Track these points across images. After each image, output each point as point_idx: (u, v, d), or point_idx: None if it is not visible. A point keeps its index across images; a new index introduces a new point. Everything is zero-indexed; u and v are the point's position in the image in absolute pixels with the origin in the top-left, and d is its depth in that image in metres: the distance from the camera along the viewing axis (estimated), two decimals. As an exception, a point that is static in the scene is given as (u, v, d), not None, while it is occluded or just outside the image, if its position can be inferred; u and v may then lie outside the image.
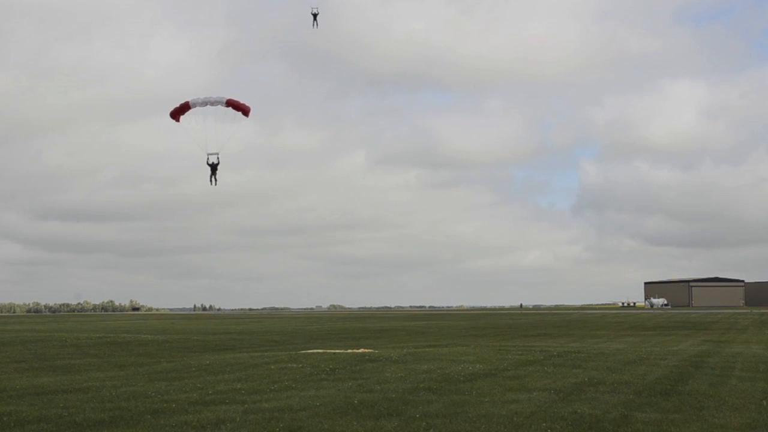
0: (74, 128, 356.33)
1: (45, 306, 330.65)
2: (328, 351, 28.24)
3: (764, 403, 14.99)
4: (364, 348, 30.45)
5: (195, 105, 41.08)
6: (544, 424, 12.64)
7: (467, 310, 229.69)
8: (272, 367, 21.85)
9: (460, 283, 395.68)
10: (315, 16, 57.11)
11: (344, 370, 20.57)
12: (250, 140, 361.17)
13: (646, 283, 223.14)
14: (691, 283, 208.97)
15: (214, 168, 53.42)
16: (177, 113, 42.32)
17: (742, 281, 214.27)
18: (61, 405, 14.83)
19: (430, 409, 14.04)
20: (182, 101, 41.52)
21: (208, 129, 42.37)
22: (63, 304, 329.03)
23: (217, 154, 46.98)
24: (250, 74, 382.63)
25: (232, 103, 42.16)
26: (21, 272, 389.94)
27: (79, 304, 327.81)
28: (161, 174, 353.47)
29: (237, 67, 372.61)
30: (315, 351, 28.51)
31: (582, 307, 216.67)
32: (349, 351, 27.97)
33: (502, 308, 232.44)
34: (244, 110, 41.58)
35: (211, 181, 52.81)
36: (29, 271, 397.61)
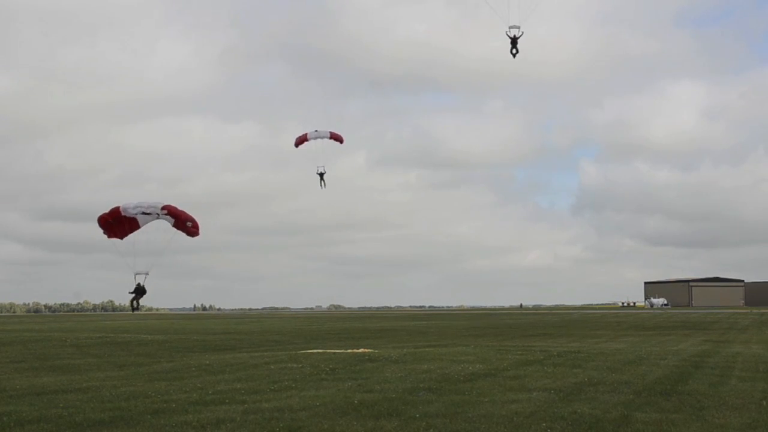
0: (78, 129, 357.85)
1: (45, 306, 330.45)
2: (328, 351, 28.23)
3: (764, 403, 14.98)
4: (364, 348, 30.43)
5: (126, 212, 37.17)
6: (544, 424, 12.63)
7: (467, 310, 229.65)
8: (272, 367, 21.84)
9: (460, 283, 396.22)
10: (321, 175, 56.54)
11: (344, 370, 20.56)
12: (252, 141, 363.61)
13: (646, 283, 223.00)
14: (691, 283, 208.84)
15: (139, 293, 48.48)
16: (106, 222, 38.04)
17: (742, 281, 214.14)
18: (61, 405, 14.82)
19: (430, 409, 14.03)
20: (112, 206, 35.01)
21: (140, 241, 37.30)
22: (63, 304, 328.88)
23: (146, 274, 41.98)
24: (252, 76, 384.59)
25: (171, 212, 37.88)
26: (21, 272, 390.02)
27: (79, 304, 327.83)
28: (164, 174, 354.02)
29: (240, 68, 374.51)
30: (315, 351, 28.50)
31: (582, 307, 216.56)
32: (349, 351, 27.96)
33: (502, 308, 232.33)
34: (184, 220, 37.31)
35: (132, 305, 48.22)
36: (30, 271, 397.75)
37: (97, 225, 38.21)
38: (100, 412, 13.94)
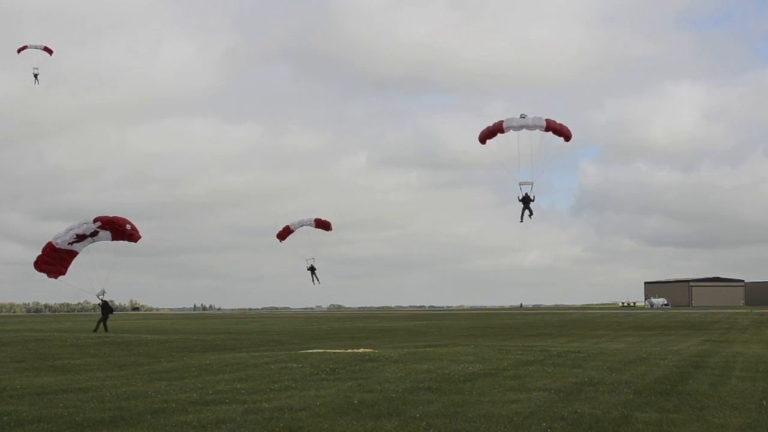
0: (81, 130, 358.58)
1: (45, 306, 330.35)
2: (328, 351, 28.22)
3: (764, 403, 14.99)
4: (364, 348, 30.42)
5: (60, 245, 36.78)
6: (544, 424, 12.63)
7: (467, 310, 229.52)
8: (272, 367, 21.83)
9: (460, 283, 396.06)
10: (313, 270, 57.59)
11: (344, 370, 20.55)
12: (254, 142, 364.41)
13: (646, 283, 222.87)
14: (691, 283, 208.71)
15: (106, 308, 50.32)
16: (44, 264, 37.76)
17: (742, 281, 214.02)
18: (61, 405, 14.81)
19: (430, 409, 14.03)
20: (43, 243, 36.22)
21: (92, 268, 37.24)
22: (63, 304, 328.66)
23: (104, 292, 42.79)
24: (255, 77, 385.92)
25: (105, 221, 37.28)
26: (21, 272, 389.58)
27: (79, 304, 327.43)
28: (165, 175, 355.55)
29: (242, 70, 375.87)
30: (315, 351, 28.49)
31: (582, 307, 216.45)
32: (349, 351, 27.94)
33: (502, 308, 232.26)
34: (122, 224, 36.87)
35: (105, 326, 49.96)
36: (30, 271, 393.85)
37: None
38: (100, 412, 13.94)
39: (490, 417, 13.22)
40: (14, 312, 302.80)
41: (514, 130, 34.13)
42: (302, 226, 51.86)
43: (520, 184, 35.75)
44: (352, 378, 18.66)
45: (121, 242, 37.79)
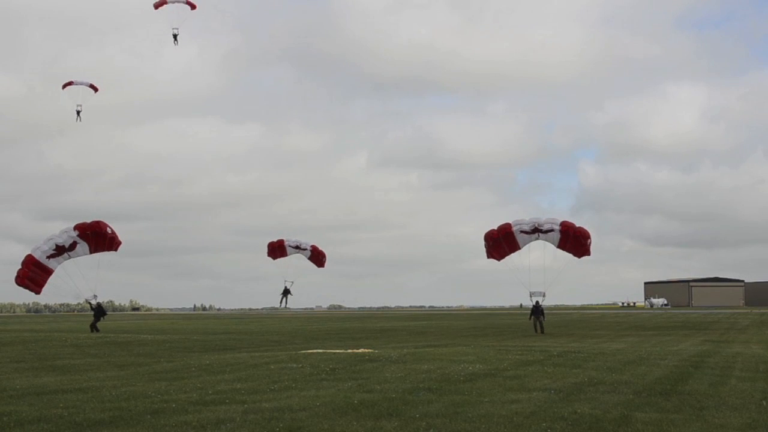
0: (82, 131, 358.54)
1: (45, 306, 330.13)
2: (328, 351, 28.22)
3: (764, 403, 14.98)
4: (364, 348, 30.43)
5: (40, 257, 37.72)
6: (544, 424, 12.63)
7: (467, 310, 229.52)
8: (272, 367, 21.83)
9: (460, 283, 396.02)
10: (287, 291, 58.93)
11: (344, 370, 20.55)
12: (256, 142, 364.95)
13: (646, 283, 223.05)
14: (691, 283, 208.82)
15: (99, 311, 51.49)
16: (25, 279, 38.60)
17: (742, 281, 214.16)
18: (61, 405, 14.81)
19: (430, 409, 14.02)
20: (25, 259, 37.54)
21: (80, 275, 39.03)
22: (63, 304, 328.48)
23: (95, 296, 43.75)
24: (256, 78, 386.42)
25: (84, 230, 38.03)
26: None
27: (79, 304, 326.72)
28: (167, 175, 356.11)
29: (244, 71, 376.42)
30: (315, 351, 28.49)
31: (582, 307, 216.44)
32: (349, 351, 27.95)
33: (502, 308, 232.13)
34: (103, 228, 37.59)
35: (92, 329, 50.97)
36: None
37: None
38: (100, 412, 13.94)
39: (490, 417, 13.22)
40: (14, 312, 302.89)
41: (526, 226, 31.73)
42: (298, 249, 51.88)
43: (531, 293, 33.82)
44: (352, 378, 18.66)
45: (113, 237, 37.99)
